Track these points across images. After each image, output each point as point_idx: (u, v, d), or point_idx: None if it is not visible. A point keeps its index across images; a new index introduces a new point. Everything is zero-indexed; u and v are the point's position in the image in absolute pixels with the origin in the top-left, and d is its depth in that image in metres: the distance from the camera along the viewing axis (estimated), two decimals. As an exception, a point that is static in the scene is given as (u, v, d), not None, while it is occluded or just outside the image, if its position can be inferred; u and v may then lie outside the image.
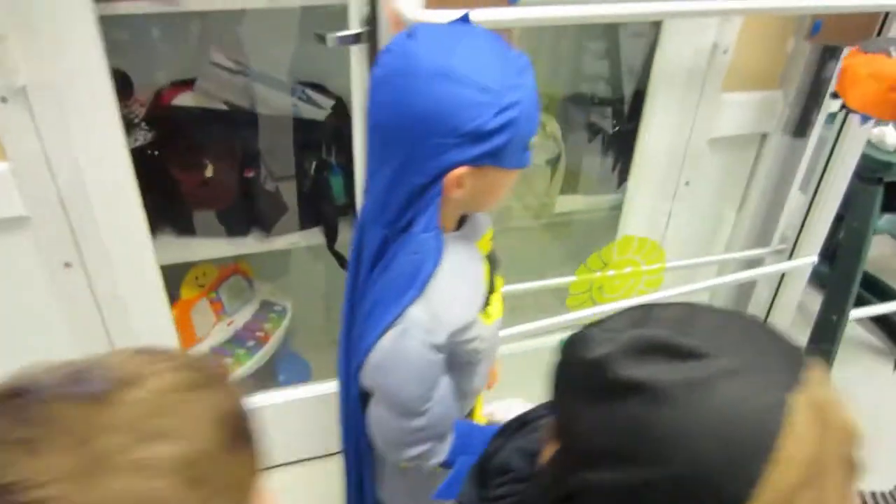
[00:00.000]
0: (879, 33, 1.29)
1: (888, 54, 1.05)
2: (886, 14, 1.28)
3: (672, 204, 1.55)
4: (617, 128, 1.58)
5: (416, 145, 0.69)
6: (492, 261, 0.87)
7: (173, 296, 1.56)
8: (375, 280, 0.78)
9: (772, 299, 1.70)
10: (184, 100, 1.41)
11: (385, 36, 0.97)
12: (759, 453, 0.41)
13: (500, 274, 0.92)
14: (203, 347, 1.56)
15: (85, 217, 1.15)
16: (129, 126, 1.40)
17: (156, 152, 1.41)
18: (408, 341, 0.73)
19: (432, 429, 0.79)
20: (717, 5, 1.15)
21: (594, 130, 1.61)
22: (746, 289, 1.74)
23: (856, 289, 1.73)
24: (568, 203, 1.60)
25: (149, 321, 1.32)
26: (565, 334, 0.51)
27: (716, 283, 1.62)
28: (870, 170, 1.63)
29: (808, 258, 1.59)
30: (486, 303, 0.83)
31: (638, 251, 1.43)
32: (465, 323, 0.77)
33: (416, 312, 0.74)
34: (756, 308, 1.73)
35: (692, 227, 1.63)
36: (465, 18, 0.76)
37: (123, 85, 1.44)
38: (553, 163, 1.54)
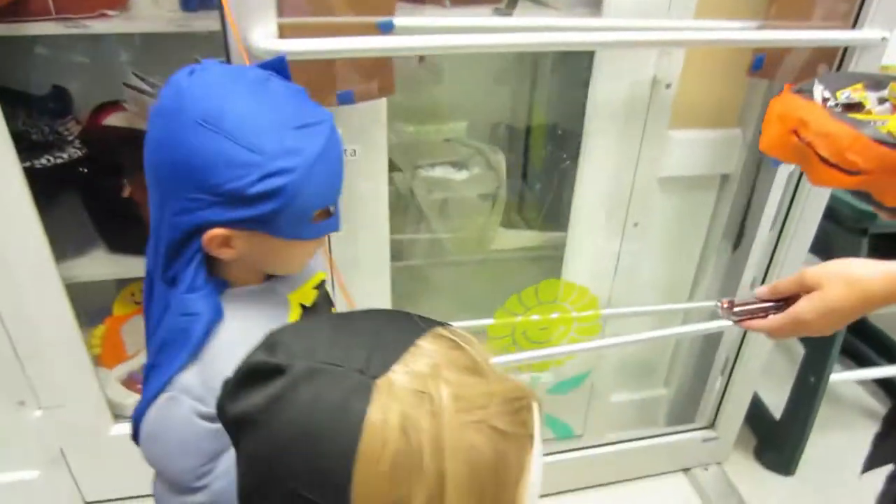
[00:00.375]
0: (839, 68, 1.16)
1: (809, 96, 0.93)
2: (844, 49, 1.15)
3: (620, 245, 1.44)
4: (567, 161, 1.49)
5: (171, 195, 0.63)
6: (321, 308, 0.80)
7: (105, 312, 1.57)
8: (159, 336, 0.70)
9: (736, 352, 1.55)
10: (115, 120, 1.42)
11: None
12: (344, 450, 0.39)
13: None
14: (133, 365, 1.55)
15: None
16: (63, 143, 1.42)
17: (85, 170, 1.41)
18: (175, 410, 0.66)
19: None
20: (624, 37, 1.06)
21: (546, 162, 1.52)
22: (713, 340, 1.60)
23: (836, 349, 1.57)
24: (510, 239, 1.51)
25: (57, 338, 1.32)
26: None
27: (672, 333, 1.49)
28: (852, 219, 1.47)
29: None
30: None
31: (565, 296, 1.33)
32: None
33: (187, 378, 0.67)
34: (722, 363, 1.59)
35: (647, 270, 1.51)
36: (276, 63, 0.70)
37: (62, 102, 1.46)
38: (492, 196, 1.46)
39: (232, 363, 0.67)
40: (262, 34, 0.89)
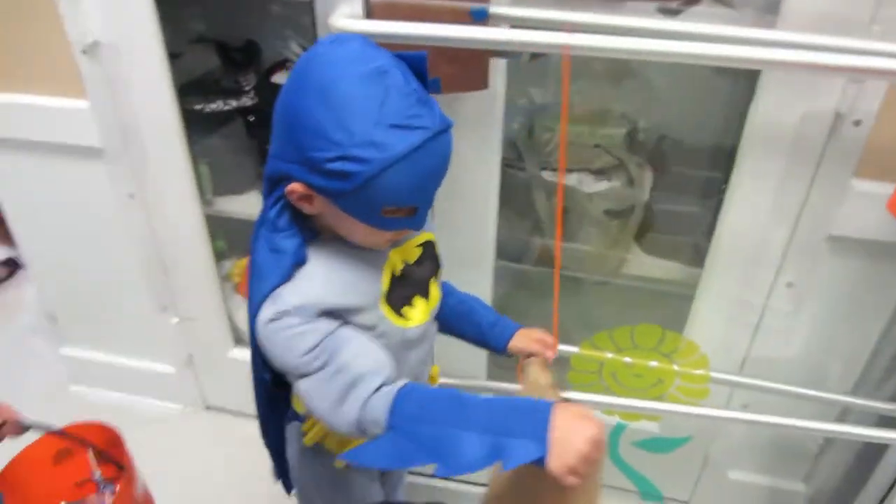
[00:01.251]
0: None
1: None
2: None
3: (766, 303, 1.19)
4: (724, 191, 1.25)
5: (278, 137, 0.69)
6: (421, 269, 0.83)
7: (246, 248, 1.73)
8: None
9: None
10: (280, 77, 1.52)
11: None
12: None
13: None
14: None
15: (141, 155, 1.33)
16: (239, 92, 1.57)
17: (252, 118, 1.55)
18: (271, 310, 0.71)
19: (346, 375, 0.72)
20: (773, 55, 0.83)
21: (699, 187, 1.30)
22: (874, 451, 1.26)
23: None
24: (637, 264, 1.33)
25: (196, 262, 1.49)
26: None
27: (813, 428, 1.20)
28: None
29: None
30: (403, 303, 0.80)
31: (668, 347, 1.14)
32: (350, 304, 0.74)
33: (281, 289, 0.72)
34: (877, 486, 1.25)
35: (802, 343, 1.23)
36: (416, 58, 0.69)
37: (250, 54, 1.61)
38: (623, 214, 1.29)
39: (315, 291, 0.72)
40: (344, 12, 0.87)
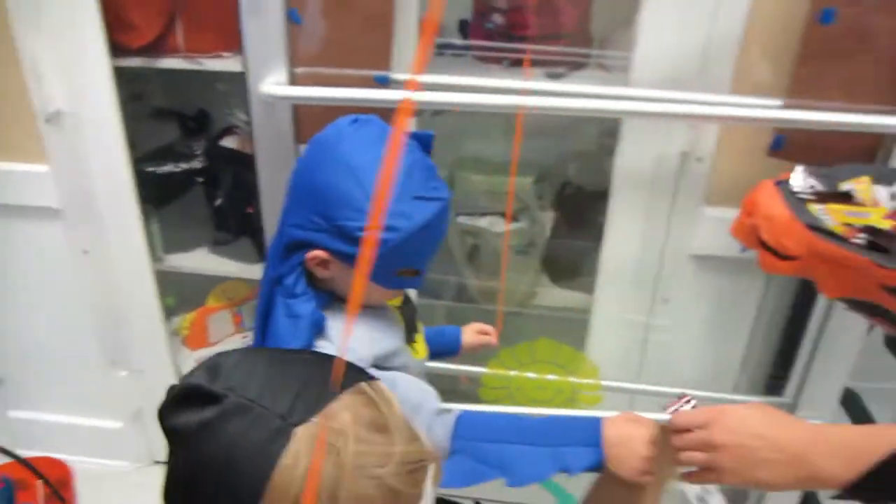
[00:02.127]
0: (872, 160, 1.03)
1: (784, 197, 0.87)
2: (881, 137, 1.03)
3: (648, 320, 1.38)
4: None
5: (297, 208, 0.75)
6: (408, 309, 0.89)
7: (199, 302, 1.85)
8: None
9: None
10: (229, 142, 1.70)
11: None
12: (254, 485, 0.46)
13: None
14: (213, 351, 1.81)
15: (96, 214, 1.47)
16: (190, 156, 1.74)
17: (201, 179, 1.72)
18: None
19: (405, 406, 0.69)
20: (626, 106, 1.05)
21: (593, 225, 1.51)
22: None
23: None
24: (554, 296, 1.51)
25: (145, 317, 1.61)
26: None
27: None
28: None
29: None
30: (412, 340, 0.87)
31: (564, 360, 1.31)
32: (389, 349, 0.79)
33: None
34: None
35: (684, 352, 1.42)
36: (425, 136, 0.77)
37: (202, 122, 1.80)
38: (526, 252, 1.48)
39: (363, 343, 0.75)
40: (272, 81, 1.05)
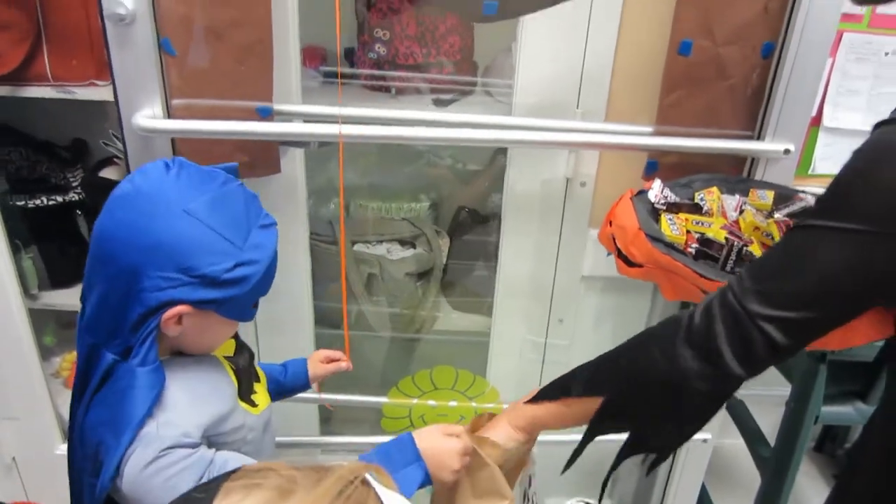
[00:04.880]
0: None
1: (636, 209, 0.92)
2: (752, 160, 1.10)
3: (545, 340, 1.41)
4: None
5: (140, 273, 0.68)
6: (242, 358, 0.87)
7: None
8: (98, 403, 0.74)
9: (666, 478, 1.43)
10: (109, 172, 1.61)
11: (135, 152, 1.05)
12: None
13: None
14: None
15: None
16: (67, 188, 1.63)
17: (79, 212, 1.62)
18: (148, 452, 0.69)
19: None
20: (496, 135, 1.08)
21: (489, 249, 1.53)
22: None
23: (789, 484, 1.40)
24: (454, 320, 1.52)
25: (18, 358, 1.49)
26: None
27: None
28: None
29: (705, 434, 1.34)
30: (250, 392, 0.83)
31: (464, 385, 1.32)
32: (218, 413, 0.75)
33: (149, 429, 0.70)
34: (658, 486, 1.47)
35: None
36: (231, 168, 0.77)
37: (78, 152, 1.69)
38: (423, 277, 1.49)
39: (187, 414, 0.72)
40: (146, 114, 1.00)
